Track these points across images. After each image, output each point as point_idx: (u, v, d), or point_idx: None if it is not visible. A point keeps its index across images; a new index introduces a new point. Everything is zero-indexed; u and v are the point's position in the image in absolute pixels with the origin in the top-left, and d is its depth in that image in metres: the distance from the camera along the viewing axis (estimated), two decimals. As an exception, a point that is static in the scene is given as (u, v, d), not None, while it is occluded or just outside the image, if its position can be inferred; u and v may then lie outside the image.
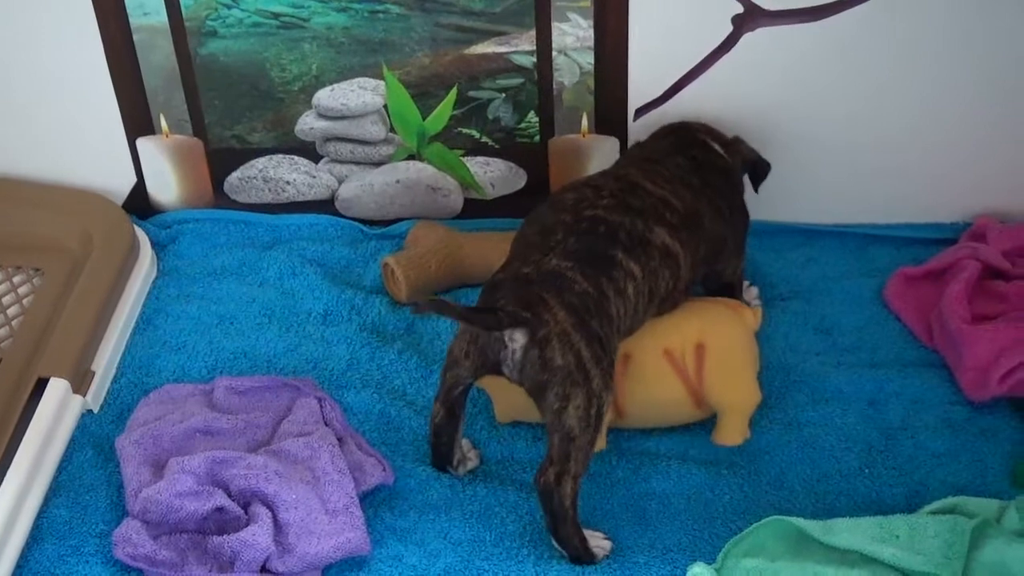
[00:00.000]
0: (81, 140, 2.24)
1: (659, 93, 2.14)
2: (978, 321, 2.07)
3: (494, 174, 2.24)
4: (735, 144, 2.07)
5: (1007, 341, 1.98)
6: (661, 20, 2.07)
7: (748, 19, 2.06)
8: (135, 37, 2.11)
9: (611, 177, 1.91)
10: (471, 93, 2.15)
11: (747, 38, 2.07)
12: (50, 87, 2.18)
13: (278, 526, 1.81)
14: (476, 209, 2.28)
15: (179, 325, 2.14)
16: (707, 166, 1.99)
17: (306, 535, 1.81)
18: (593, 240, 1.80)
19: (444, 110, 2.16)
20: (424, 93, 2.15)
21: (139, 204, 2.31)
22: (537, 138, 2.19)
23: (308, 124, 2.20)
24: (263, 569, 1.79)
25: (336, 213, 2.30)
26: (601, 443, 1.92)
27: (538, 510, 1.80)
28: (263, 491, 1.83)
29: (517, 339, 1.74)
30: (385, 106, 2.17)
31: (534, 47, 2.09)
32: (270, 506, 1.82)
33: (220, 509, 1.82)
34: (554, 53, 2.10)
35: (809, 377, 2.05)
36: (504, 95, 2.15)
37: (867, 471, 1.92)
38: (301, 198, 2.29)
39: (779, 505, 1.87)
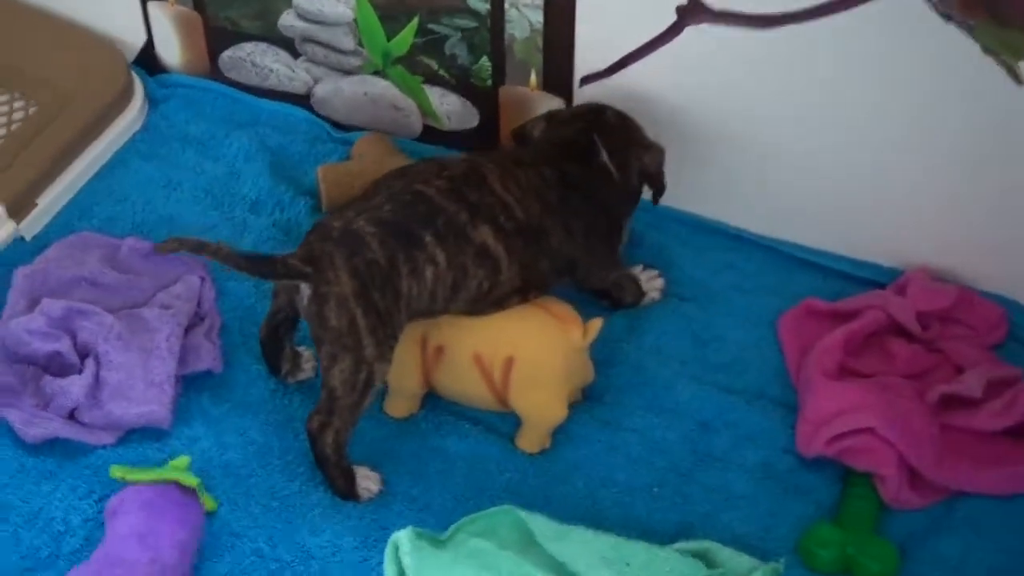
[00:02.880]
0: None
1: (604, 67, 2.12)
2: (849, 376, 1.98)
3: (450, 108, 2.28)
4: (632, 153, 2.01)
5: (849, 403, 1.90)
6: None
7: (690, 12, 2.00)
8: (148, -95, 2.24)
9: (466, 163, 1.92)
10: (431, 26, 2.18)
11: (697, 31, 2.01)
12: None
13: (98, 382, 1.97)
14: (433, 136, 2.32)
15: (131, 179, 2.29)
16: (573, 184, 1.94)
17: (118, 397, 1.95)
18: (408, 215, 1.82)
19: (407, 35, 2.20)
20: (389, 17, 2.20)
21: (149, 61, 2.46)
22: (489, 82, 2.21)
23: (288, 22, 2.28)
24: (71, 416, 1.97)
25: (312, 109, 2.40)
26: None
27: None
28: (98, 348, 1.98)
29: (303, 291, 1.81)
30: (355, 20, 2.23)
31: (488, -7, 2.11)
32: (98, 362, 1.98)
33: (59, 353, 2.00)
34: (506, 5, 2.10)
35: (656, 383, 2.02)
36: (460, 34, 2.17)
37: (656, 491, 1.91)
38: (282, 88, 2.39)
39: (553, 498, 1.89)
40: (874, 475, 1.88)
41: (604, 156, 1.98)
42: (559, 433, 1.96)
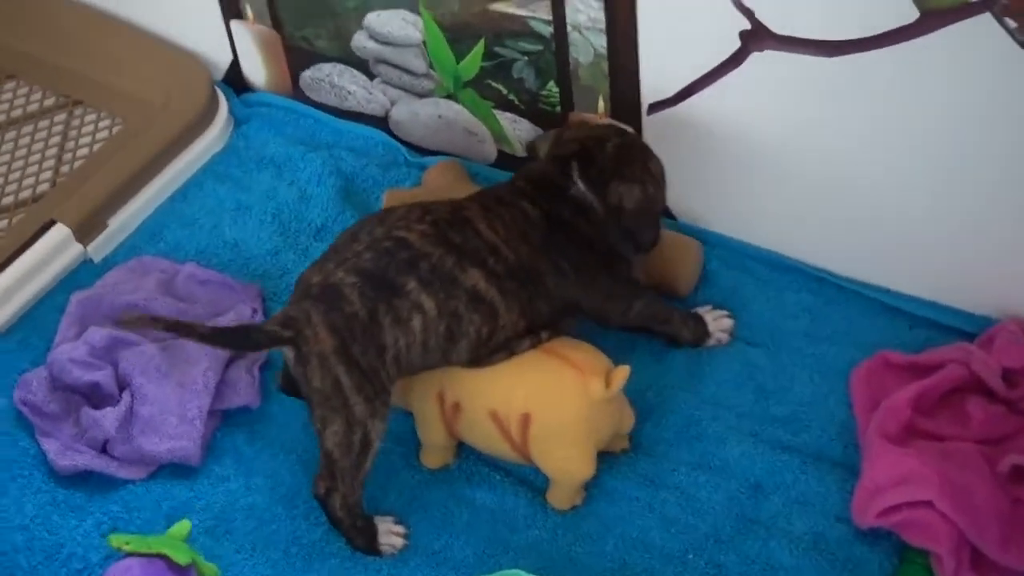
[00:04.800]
0: (186, 11, 2.38)
1: (670, 94, 1.98)
2: (919, 438, 1.80)
3: (522, 133, 2.17)
4: (611, 186, 1.83)
5: (907, 472, 1.72)
6: (669, 22, 1.90)
7: (754, 37, 1.84)
8: (221, -74, 2.21)
9: (448, 205, 1.81)
10: (497, 49, 2.08)
11: (764, 57, 1.86)
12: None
13: (132, 415, 1.95)
14: (509, 162, 2.22)
15: (203, 202, 2.27)
16: (555, 220, 1.81)
17: (150, 432, 1.93)
18: (388, 262, 1.72)
19: (475, 58, 2.11)
20: (456, 39, 2.10)
21: (236, 79, 2.43)
22: (558, 108, 2.10)
23: (362, 43, 2.21)
24: (103, 450, 1.95)
25: (391, 132, 2.32)
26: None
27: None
28: (134, 380, 1.96)
29: (287, 354, 1.74)
30: (424, 42, 2.15)
31: (550, 16, 1.99)
32: (133, 395, 1.96)
33: (98, 384, 1.98)
34: (568, 28, 1.98)
35: (709, 438, 1.88)
36: (526, 58, 2.06)
37: (690, 559, 1.77)
38: (361, 109, 2.32)
39: (578, 560, 1.79)
40: (931, 553, 1.70)
41: (580, 187, 1.83)
42: (595, 487, 1.84)
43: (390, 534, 1.82)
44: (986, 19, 1.66)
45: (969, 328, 1.94)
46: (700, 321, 1.98)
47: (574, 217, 1.83)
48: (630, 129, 2.00)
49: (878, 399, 1.86)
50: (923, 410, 1.83)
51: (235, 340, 1.76)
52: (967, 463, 1.73)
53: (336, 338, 1.70)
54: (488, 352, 1.79)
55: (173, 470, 1.92)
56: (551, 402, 1.76)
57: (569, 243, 1.82)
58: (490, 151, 2.24)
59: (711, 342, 1.98)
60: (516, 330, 1.79)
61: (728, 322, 1.99)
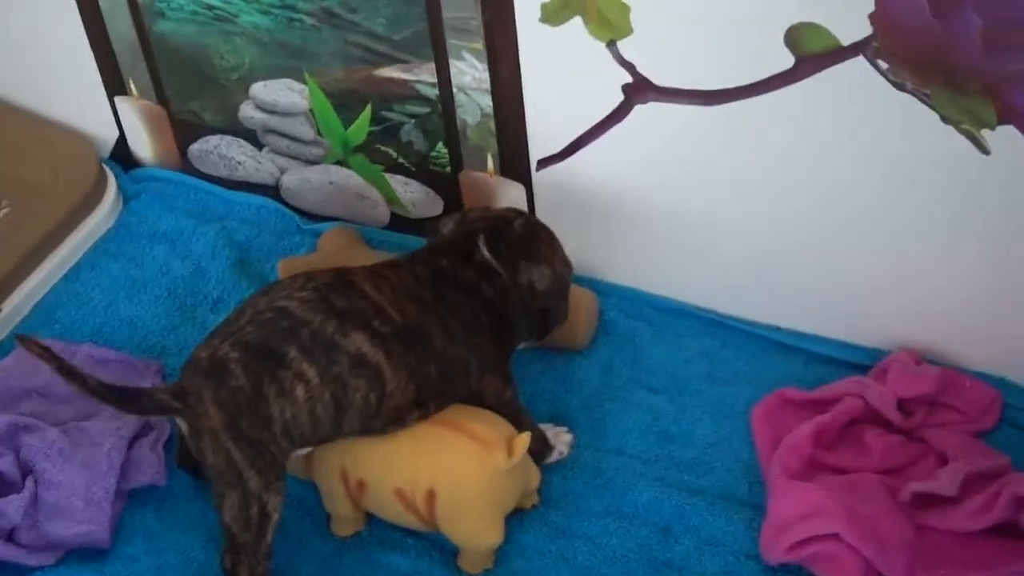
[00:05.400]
0: (70, 89, 2.37)
1: (558, 149, 2.01)
2: (821, 472, 1.84)
3: (413, 195, 2.19)
4: (521, 265, 1.84)
5: (811, 506, 1.76)
6: (552, 79, 1.94)
7: (636, 90, 1.88)
8: (101, 5, 2.20)
9: (334, 272, 1.80)
10: (384, 113, 2.10)
11: (649, 109, 1.90)
12: (42, 36, 2.30)
13: (37, 501, 1.92)
14: (401, 224, 2.24)
15: (96, 280, 2.25)
16: (449, 279, 1.81)
17: (56, 517, 1.89)
18: (270, 332, 1.71)
19: (362, 124, 2.13)
20: (343, 105, 2.12)
21: (124, 156, 2.42)
22: (448, 168, 2.12)
23: (248, 113, 2.22)
24: (9, 538, 1.92)
25: (283, 200, 2.33)
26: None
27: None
28: (38, 466, 1.93)
29: (182, 426, 1.74)
30: (311, 109, 2.16)
31: (435, 80, 2.01)
32: (37, 480, 1.93)
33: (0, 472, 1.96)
34: (454, 90, 2.01)
35: (617, 485, 1.90)
36: (414, 121, 2.09)
37: (605, 605, 1.79)
38: (251, 179, 2.33)
39: (490, 610, 1.79)
40: (840, 585, 1.74)
41: (485, 253, 1.83)
42: (508, 543, 1.85)
43: None
44: (860, 62, 1.71)
45: (862, 361, 1.99)
46: (542, 436, 1.94)
47: (477, 277, 1.82)
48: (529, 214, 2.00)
49: (780, 436, 1.89)
50: (824, 444, 1.87)
51: (125, 400, 1.72)
52: (870, 494, 1.77)
53: (224, 413, 1.69)
54: (380, 422, 1.77)
55: (82, 554, 1.90)
56: (455, 478, 1.76)
57: (465, 302, 1.81)
58: (383, 214, 2.26)
59: (553, 456, 1.95)
60: (406, 397, 1.76)
61: (568, 437, 1.97)
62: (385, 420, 1.77)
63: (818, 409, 1.91)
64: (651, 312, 2.11)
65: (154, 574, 1.86)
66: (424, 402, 1.79)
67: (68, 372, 1.70)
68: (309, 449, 1.81)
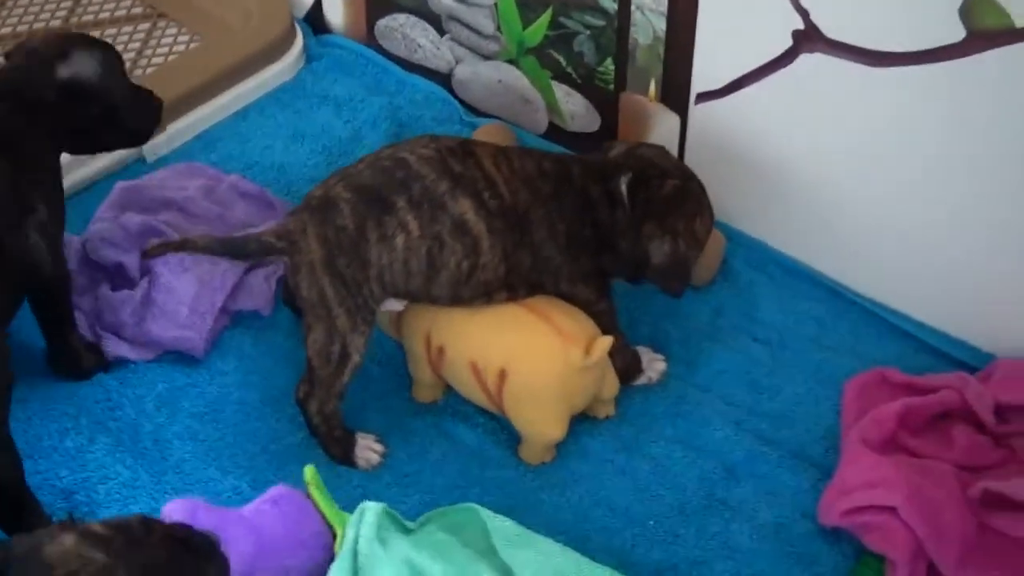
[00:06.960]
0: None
1: (720, 85, 2.01)
2: (905, 454, 1.81)
3: (574, 107, 2.22)
4: (645, 230, 1.82)
5: (878, 477, 1.73)
6: (727, 13, 1.94)
7: (806, 37, 1.88)
8: None
9: (459, 141, 1.82)
10: (562, 19, 2.13)
11: (813, 59, 1.89)
12: None
13: (148, 301, 2.01)
14: (558, 135, 2.27)
15: (261, 124, 2.35)
16: (576, 187, 1.81)
17: (161, 318, 1.99)
18: (385, 180, 1.75)
19: (540, 26, 2.16)
20: (526, 4, 2.16)
21: (316, 21, 2.51)
22: (612, 86, 2.14)
23: (438, -3, 2.29)
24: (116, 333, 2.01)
25: (452, 90, 2.38)
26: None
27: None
28: (156, 268, 2.02)
29: (286, 264, 1.80)
30: (496, 4, 2.21)
31: (616, -8, 2.04)
32: (152, 282, 2.02)
33: (122, 266, 2.05)
34: (633, 7, 2.03)
35: (695, 417, 1.91)
36: (588, 32, 2.11)
37: (650, 524, 1.79)
38: (427, 63, 2.39)
39: (542, 506, 1.81)
40: (886, 560, 1.71)
41: (623, 187, 1.82)
42: (574, 444, 1.87)
43: (368, 450, 1.86)
44: (1029, 46, 1.68)
45: (970, 361, 1.96)
46: (636, 357, 1.95)
47: (601, 198, 1.82)
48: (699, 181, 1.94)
49: (868, 411, 1.87)
50: (909, 427, 1.83)
51: (231, 248, 1.80)
52: (940, 480, 1.73)
53: (324, 249, 1.74)
54: (468, 292, 1.80)
55: (177, 357, 1.98)
56: (528, 363, 1.77)
57: (577, 209, 1.81)
58: (542, 120, 2.29)
59: (641, 379, 1.95)
60: (497, 275, 1.79)
61: (661, 365, 1.97)
62: (473, 292, 1.80)
63: (915, 395, 1.87)
64: (774, 268, 2.10)
65: (235, 388, 1.94)
66: (514, 286, 1.81)
67: (179, 245, 1.83)
68: (400, 306, 1.86)
